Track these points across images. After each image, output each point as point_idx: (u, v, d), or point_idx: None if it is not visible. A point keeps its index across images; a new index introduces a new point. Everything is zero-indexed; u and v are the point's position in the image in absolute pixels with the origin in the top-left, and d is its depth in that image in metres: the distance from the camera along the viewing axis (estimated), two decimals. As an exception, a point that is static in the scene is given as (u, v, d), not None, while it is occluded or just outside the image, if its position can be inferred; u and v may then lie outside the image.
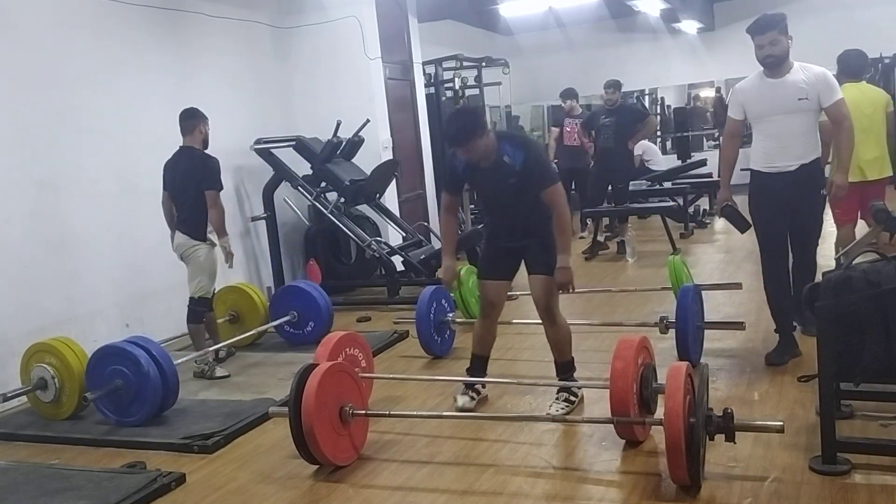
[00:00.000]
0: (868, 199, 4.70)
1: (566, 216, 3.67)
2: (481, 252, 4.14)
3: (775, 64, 3.87)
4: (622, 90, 8.43)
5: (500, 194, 3.75)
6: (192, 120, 5.02)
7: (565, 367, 3.84)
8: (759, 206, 4.12)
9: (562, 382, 3.81)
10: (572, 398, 3.78)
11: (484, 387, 4.03)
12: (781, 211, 4.01)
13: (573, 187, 8.74)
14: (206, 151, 5.00)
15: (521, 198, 3.69)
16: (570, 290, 3.73)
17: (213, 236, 4.93)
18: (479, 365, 3.98)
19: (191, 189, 4.89)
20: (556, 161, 9.25)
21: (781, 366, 4.02)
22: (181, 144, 5.01)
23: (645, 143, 9.67)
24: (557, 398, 3.78)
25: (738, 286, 5.01)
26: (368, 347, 4.07)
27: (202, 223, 4.89)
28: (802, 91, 3.86)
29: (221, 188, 4.95)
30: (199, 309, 4.88)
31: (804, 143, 3.93)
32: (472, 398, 3.92)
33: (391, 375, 4.32)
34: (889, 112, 5.34)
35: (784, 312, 4.17)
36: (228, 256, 4.95)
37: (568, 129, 8.91)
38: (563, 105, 9.05)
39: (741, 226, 4.25)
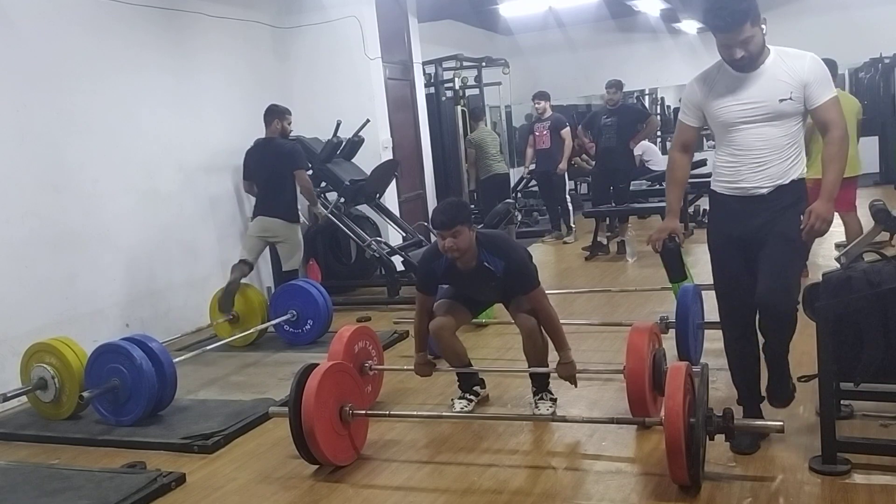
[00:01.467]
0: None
1: (554, 315, 3.64)
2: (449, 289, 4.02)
3: (750, 66, 2.90)
4: (623, 90, 8.44)
5: (483, 293, 3.85)
6: (269, 116, 5.94)
7: (541, 373, 3.79)
8: (717, 240, 3.12)
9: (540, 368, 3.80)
10: (553, 396, 3.79)
11: (483, 387, 4.03)
12: (745, 249, 3.02)
13: (572, 189, 8.80)
14: (285, 139, 5.93)
15: (505, 290, 3.74)
16: (574, 384, 3.71)
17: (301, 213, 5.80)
18: (464, 374, 3.95)
19: (282, 175, 5.71)
20: (532, 167, 9.33)
21: (752, 454, 3.06)
22: (259, 137, 5.97)
23: (645, 143, 9.68)
24: (542, 398, 3.77)
25: None
26: (378, 340, 4.12)
27: (294, 206, 5.78)
28: (784, 88, 2.86)
29: (308, 167, 5.91)
30: (293, 278, 5.67)
31: (784, 157, 2.93)
32: (470, 400, 3.91)
33: (404, 367, 4.29)
34: (859, 120, 5.45)
35: (752, 390, 3.19)
36: (323, 219, 6.13)
37: (537, 134, 8.94)
38: (535, 107, 9.04)
39: (675, 273, 3.40)
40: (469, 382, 3.97)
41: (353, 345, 3.85)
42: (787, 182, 2.96)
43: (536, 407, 3.74)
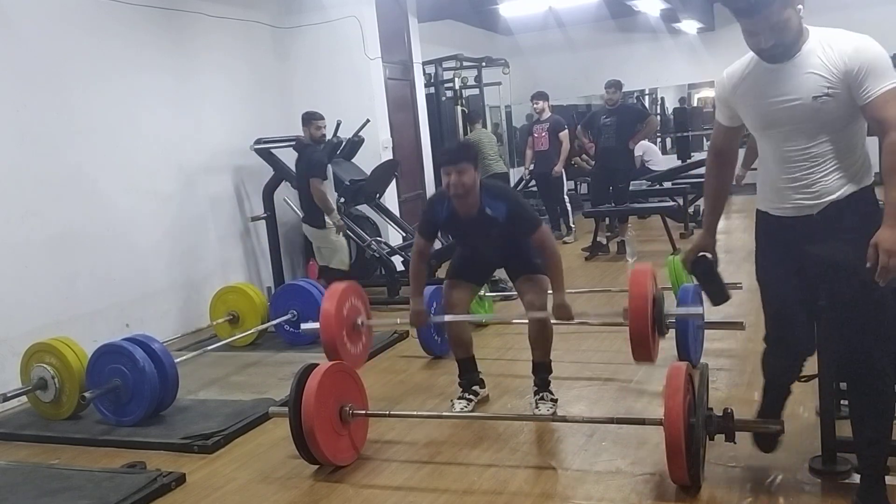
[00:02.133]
0: None
1: (557, 255, 3.66)
2: (454, 254, 4.12)
3: (783, 55, 2.37)
4: (623, 90, 8.44)
5: (484, 243, 3.80)
6: (303, 122, 6.23)
7: (544, 368, 3.81)
8: (765, 262, 2.63)
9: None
10: (554, 396, 3.79)
11: (483, 387, 4.03)
12: (800, 273, 2.49)
13: (571, 189, 8.81)
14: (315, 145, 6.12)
15: (505, 242, 3.74)
16: (571, 318, 3.71)
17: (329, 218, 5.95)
18: (467, 367, 3.97)
19: (306, 182, 5.96)
20: (531, 167, 9.33)
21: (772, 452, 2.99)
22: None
23: (645, 143, 9.68)
24: (543, 398, 3.77)
25: (738, 286, 5.00)
26: (366, 298, 4.19)
27: (315, 211, 5.98)
28: (820, 83, 2.30)
29: (323, 176, 5.95)
30: (338, 277, 5.63)
31: (832, 166, 2.38)
32: (470, 400, 3.91)
33: (397, 319, 4.35)
34: None
35: (780, 398, 2.88)
36: (340, 229, 6.03)
37: (536, 135, 8.95)
38: (534, 107, 9.03)
39: (716, 295, 2.80)
40: (469, 382, 3.97)
41: (344, 303, 3.88)
42: (842, 197, 2.36)
43: (537, 407, 3.74)
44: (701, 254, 2.77)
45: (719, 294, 2.79)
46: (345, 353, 3.83)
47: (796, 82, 2.34)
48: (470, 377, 3.97)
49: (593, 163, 8.90)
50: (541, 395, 3.78)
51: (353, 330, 3.95)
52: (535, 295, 3.73)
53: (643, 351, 3.39)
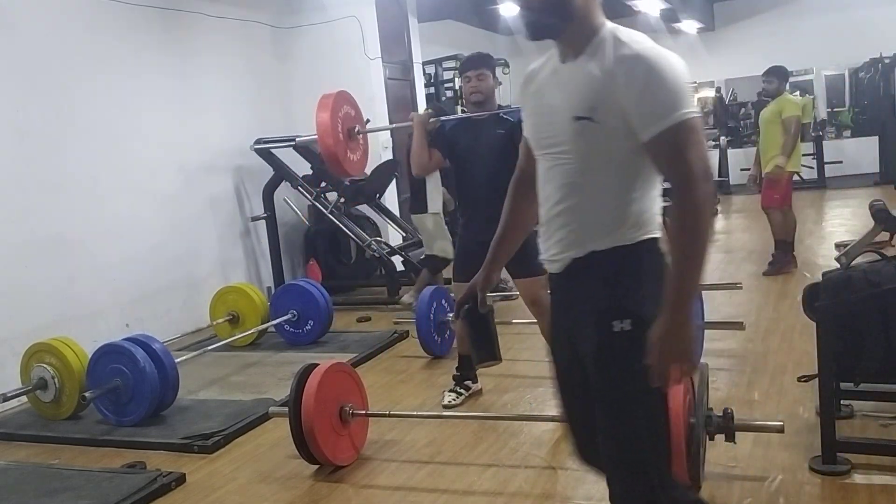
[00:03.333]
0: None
1: None
2: (455, 250, 4.16)
3: (542, 33, 1.77)
4: None
5: (482, 161, 3.70)
6: None
7: None
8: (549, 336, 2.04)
9: None
10: None
11: (475, 382, 4.06)
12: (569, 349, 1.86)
13: None
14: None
15: (500, 168, 3.46)
16: None
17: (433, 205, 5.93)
18: (468, 364, 3.98)
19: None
20: None
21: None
22: None
23: None
24: None
25: (738, 286, 5.01)
26: (358, 105, 4.12)
27: (416, 197, 6.00)
28: (584, 99, 1.68)
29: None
30: (439, 266, 5.97)
31: (591, 211, 1.74)
32: (460, 394, 3.97)
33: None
34: (807, 123, 5.74)
35: None
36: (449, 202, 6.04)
37: None
38: None
39: (483, 353, 2.21)
40: (464, 377, 4.01)
41: (338, 111, 3.84)
42: (583, 254, 1.74)
43: None
44: (470, 296, 2.11)
45: (487, 352, 2.20)
46: (346, 161, 3.78)
47: (566, 92, 1.74)
48: (466, 373, 4.01)
49: None
50: None
51: (350, 138, 3.92)
52: (535, 298, 3.69)
53: None
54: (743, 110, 13.82)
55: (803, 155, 12.08)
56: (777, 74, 6.24)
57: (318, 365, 3.27)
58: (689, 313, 1.66)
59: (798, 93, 6.93)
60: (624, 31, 1.72)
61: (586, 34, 1.72)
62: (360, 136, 4.03)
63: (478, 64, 3.80)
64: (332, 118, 3.78)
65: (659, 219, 1.76)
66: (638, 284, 1.71)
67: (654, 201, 1.75)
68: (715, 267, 6.91)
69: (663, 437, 1.78)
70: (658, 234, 1.75)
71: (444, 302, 4.87)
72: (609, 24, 1.74)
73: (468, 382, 4.01)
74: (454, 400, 3.93)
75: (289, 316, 5.32)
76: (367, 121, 6.91)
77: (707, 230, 1.63)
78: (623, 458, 1.76)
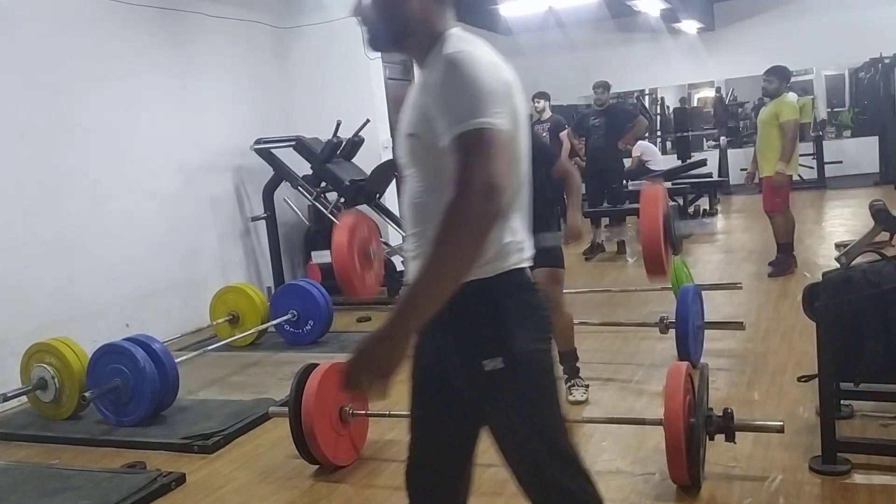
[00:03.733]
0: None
1: (578, 177, 3.92)
2: None
3: (377, 45, 1.71)
4: (611, 90, 8.44)
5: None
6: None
7: (569, 356, 3.93)
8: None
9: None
10: (585, 383, 3.91)
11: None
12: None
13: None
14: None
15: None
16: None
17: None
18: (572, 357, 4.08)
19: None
20: None
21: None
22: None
23: (644, 143, 9.66)
24: (575, 384, 3.88)
25: (738, 286, 5.01)
26: (376, 227, 4.14)
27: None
28: (413, 114, 1.63)
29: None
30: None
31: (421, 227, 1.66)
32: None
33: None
34: (807, 122, 5.75)
35: None
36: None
37: None
38: (534, 106, 9.00)
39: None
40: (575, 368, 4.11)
41: (355, 233, 3.79)
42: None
43: (570, 394, 3.82)
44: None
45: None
46: (360, 284, 3.77)
47: (406, 108, 1.66)
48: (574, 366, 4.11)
49: (584, 164, 8.88)
50: (572, 381, 3.88)
51: (365, 259, 3.91)
52: (552, 287, 3.70)
53: (657, 266, 3.45)
54: (741, 110, 13.86)
55: (802, 155, 12.15)
56: (778, 74, 6.20)
57: (318, 365, 3.27)
58: (407, 330, 1.46)
59: (794, 94, 6.91)
60: (458, 36, 1.57)
61: (427, 44, 1.58)
62: (376, 258, 4.02)
63: None
64: (349, 243, 3.81)
65: (527, 249, 1.64)
66: (503, 322, 1.58)
67: (513, 230, 1.60)
68: (715, 267, 6.92)
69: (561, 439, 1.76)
70: (523, 266, 1.63)
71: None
72: (453, 32, 1.59)
73: None
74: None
75: (289, 316, 5.32)
76: (367, 121, 6.96)
77: (463, 252, 1.38)
78: (533, 473, 1.75)
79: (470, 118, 1.43)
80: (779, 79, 6.18)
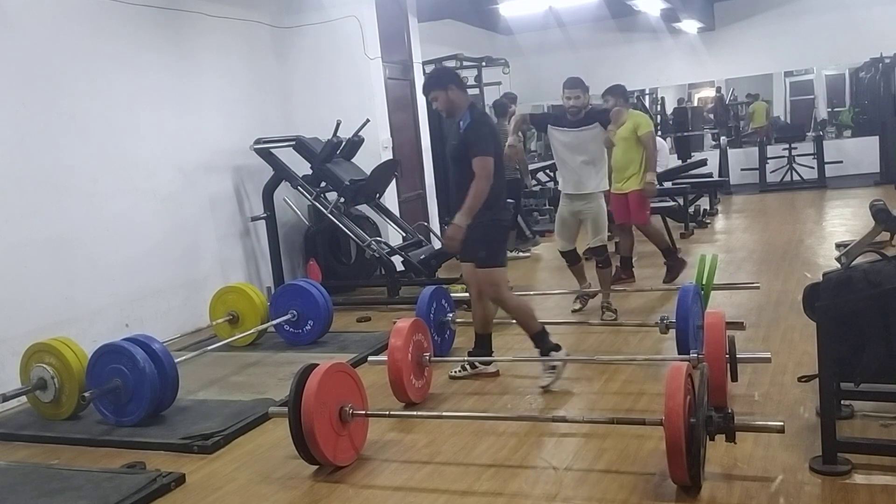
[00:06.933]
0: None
1: (481, 187, 3.92)
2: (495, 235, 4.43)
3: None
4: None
5: (450, 156, 4.21)
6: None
7: (538, 338, 4.11)
8: None
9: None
10: (554, 365, 4.05)
11: (486, 365, 4.34)
12: None
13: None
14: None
15: (458, 167, 4.06)
16: (453, 250, 4.11)
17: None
18: (481, 342, 4.34)
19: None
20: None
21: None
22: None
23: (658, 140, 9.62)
24: (544, 370, 4.08)
25: (755, 286, 5.04)
26: (428, 332, 4.30)
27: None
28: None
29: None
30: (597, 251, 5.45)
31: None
32: (464, 368, 4.34)
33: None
34: (642, 135, 6.03)
35: None
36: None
37: None
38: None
39: None
40: (475, 353, 4.35)
41: (411, 338, 3.94)
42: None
43: (541, 380, 4.05)
44: None
45: None
46: (410, 387, 3.91)
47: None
48: (478, 352, 4.35)
49: None
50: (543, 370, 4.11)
51: (417, 366, 4.02)
52: (476, 285, 4.17)
53: (719, 397, 3.33)
54: (731, 112, 13.88)
55: (802, 155, 12.11)
56: (614, 93, 6.03)
57: (318, 365, 3.27)
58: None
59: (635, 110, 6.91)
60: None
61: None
62: (428, 367, 4.15)
63: (425, 92, 4.22)
64: (404, 345, 3.92)
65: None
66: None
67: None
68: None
69: None
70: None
71: (444, 302, 4.87)
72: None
73: (475, 362, 4.33)
74: (458, 371, 4.33)
75: (289, 316, 5.31)
76: (367, 121, 6.96)
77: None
78: None
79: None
80: (615, 97, 5.98)
